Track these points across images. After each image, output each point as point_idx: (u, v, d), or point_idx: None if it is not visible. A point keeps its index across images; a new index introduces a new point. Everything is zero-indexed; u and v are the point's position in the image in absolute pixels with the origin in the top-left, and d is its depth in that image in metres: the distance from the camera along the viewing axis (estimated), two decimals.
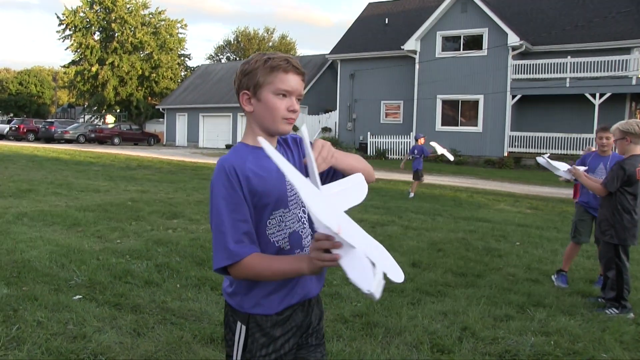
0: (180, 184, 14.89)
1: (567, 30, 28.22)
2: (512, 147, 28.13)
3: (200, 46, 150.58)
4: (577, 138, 25.89)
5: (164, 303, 4.93)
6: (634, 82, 25.35)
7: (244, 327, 2.03)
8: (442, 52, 30.17)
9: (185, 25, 57.96)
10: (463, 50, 29.81)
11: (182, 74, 61.22)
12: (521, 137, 27.97)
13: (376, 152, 31.44)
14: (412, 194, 14.29)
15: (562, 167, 5.84)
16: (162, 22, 55.42)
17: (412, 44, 30.55)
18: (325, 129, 35.66)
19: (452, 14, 29.84)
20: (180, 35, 57.59)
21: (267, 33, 76.10)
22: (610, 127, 5.86)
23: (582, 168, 5.84)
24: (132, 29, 52.03)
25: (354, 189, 1.91)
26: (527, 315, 5.04)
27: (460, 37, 29.94)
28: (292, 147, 2.20)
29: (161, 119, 48.66)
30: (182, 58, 60.80)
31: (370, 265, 1.59)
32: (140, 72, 52.11)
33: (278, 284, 2.01)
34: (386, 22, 35.85)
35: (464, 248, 7.89)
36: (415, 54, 30.70)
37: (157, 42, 53.66)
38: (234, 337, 2.05)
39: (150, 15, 55.00)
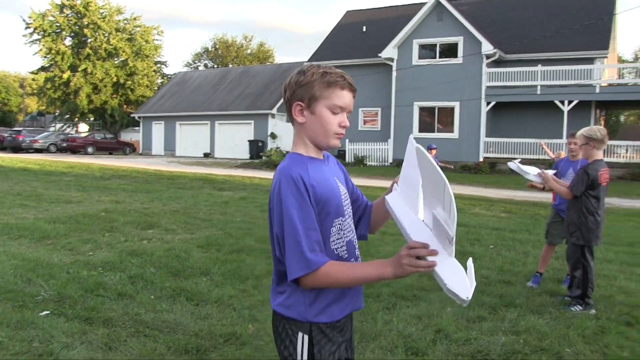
0: (157, 193, 14.72)
1: (538, 39, 28.82)
2: (487, 152, 28.51)
3: (177, 53, 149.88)
4: (548, 143, 26.32)
5: (137, 315, 4.85)
6: (597, 90, 26.49)
7: (306, 337, 2.01)
8: (418, 60, 30.51)
9: (162, 31, 57.52)
10: (439, 58, 30.18)
11: (159, 81, 60.42)
12: (496, 142, 28.38)
13: (355, 158, 31.56)
14: None
15: (532, 172, 5.98)
16: (138, 28, 54.48)
17: (389, 51, 30.84)
18: None
19: (428, 22, 30.20)
20: (156, 42, 56.70)
21: (246, 40, 76.16)
22: (576, 134, 6.04)
23: (550, 172, 6.00)
24: (106, 34, 51.04)
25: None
26: (498, 316, 5.17)
27: (436, 45, 30.31)
28: (328, 160, 2.21)
29: (137, 128, 47.84)
30: (159, 65, 60.11)
31: (464, 273, 1.67)
32: (115, 80, 51.06)
33: (339, 292, 2.05)
34: (364, 29, 36.13)
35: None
36: (393, 61, 30.99)
37: (133, 48, 52.71)
38: (296, 349, 2.02)
39: (125, 21, 54.05)
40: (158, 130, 43.90)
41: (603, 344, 4.60)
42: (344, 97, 2.05)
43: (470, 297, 1.63)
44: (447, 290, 1.66)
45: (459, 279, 1.66)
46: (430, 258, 1.70)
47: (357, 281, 1.94)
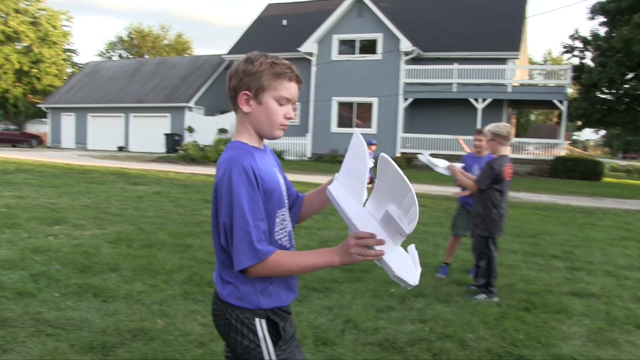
0: (65, 188, 14.07)
1: (454, 39, 29.73)
2: (404, 147, 29.13)
3: (90, 42, 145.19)
4: (464, 140, 27.19)
5: (39, 314, 4.62)
6: (509, 89, 27.68)
7: (264, 321, 2.03)
8: (338, 55, 30.81)
9: (71, 17, 55.39)
10: (359, 53, 30.55)
11: (69, 70, 58.00)
12: (412, 138, 29.06)
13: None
14: None
15: (441, 164, 6.15)
16: (43, 12, 51.59)
17: (309, 46, 30.98)
18: (222, 130, 35.37)
19: (348, 18, 30.52)
20: (65, 28, 54.27)
21: (163, 31, 74.66)
22: (484, 130, 6.25)
23: (459, 165, 6.20)
24: (4, 16, 47.91)
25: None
26: (407, 306, 5.32)
27: (356, 41, 30.71)
28: (268, 150, 2.21)
29: (45, 119, 45.50)
30: (69, 53, 57.72)
31: (410, 259, 1.78)
32: (17, 67, 48.24)
33: (286, 279, 2.08)
34: (284, 23, 36.10)
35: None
36: (312, 56, 31.16)
37: (37, 34, 49.89)
38: (257, 335, 2.03)
39: (27, 3, 50.83)
40: (68, 122, 42.01)
41: (502, 328, 4.85)
42: (291, 89, 2.07)
43: (417, 282, 1.76)
44: (394, 276, 1.77)
45: (406, 266, 1.76)
46: (377, 247, 1.78)
47: (305, 269, 1.95)
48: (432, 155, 6.31)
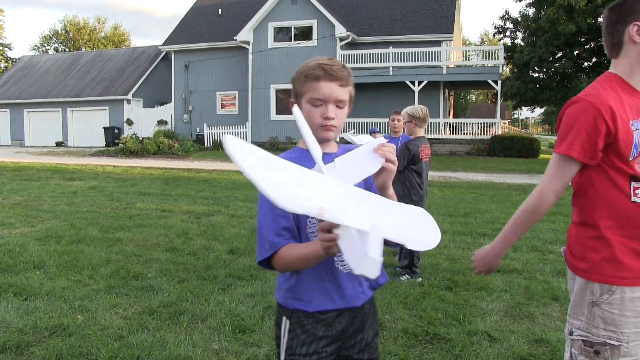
0: None
1: (387, 23, 30.02)
2: (344, 132, 29.25)
3: (25, 35, 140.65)
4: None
5: None
6: (444, 71, 28.07)
7: (287, 322, 2.07)
8: (274, 43, 30.75)
9: (2, 10, 53.71)
10: (294, 40, 30.53)
11: (2, 65, 56.42)
12: (351, 122, 29.24)
13: (213, 143, 31.35)
14: None
15: (364, 141, 6.25)
16: None
17: (244, 34, 30.81)
18: (162, 122, 34.95)
19: (283, 5, 30.45)
20: None
21: (99, 23, 72.93)
22: (401, 111, 6.38)
23: (382, 140, 6.28)
24: None
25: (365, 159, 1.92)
26: None
27: (291, 28, 30.68)
28: (332, 155, 2.04)
29: None
30: (1, 48, 56.08)
31: (362, 246, 1.54)
32: None
33: (319, 284, 2.03)
34: (219, 12, 35.76)
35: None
36: (249, 44, 31.02)
37: None
38: (281, 334, 2.09)
39: None
40: (3, 118, 40.73)
41: (421, 308, 4.95)
42: (321, 88, 2.00)
43: (363, 272, 1.52)
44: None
45: (355, 253, 1.55)
46: (336, 231, 1.63)
47: (302, 260, 1.90)
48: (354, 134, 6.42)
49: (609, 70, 2.28)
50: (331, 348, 2.08)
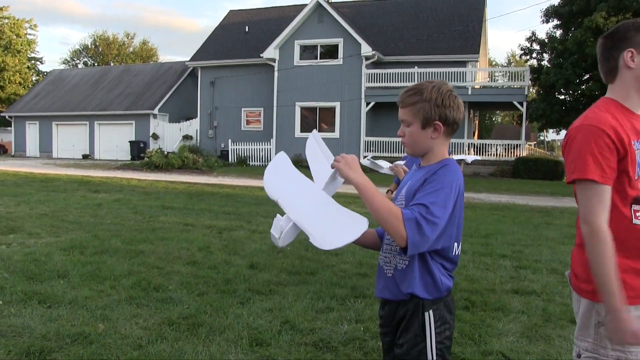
0: (25, 197, 14.04)
1: (413, 43, 30.11)
2: (367, 151, 29.39)
3: (56, 50, 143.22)
4: None
5: None
6: (469, 92, 27.93)
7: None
8: (300, 61, 30.97)
9: (35, 25, 54.87)
10: (320, 59, 30.75)
11: (34, 79, 57.41)
12: (375, 141, 29.33)
13: (237, 159, 31.57)
14: None
15: (384, 165, 6.30)
16: (6, 20, 51.11)
17: (271, 52, 31.09)
18: (187, 137, 35.31)
19: (309, 23, 30.71)
20: (29, 37, 53.92)
21: (128, 38, 74.14)
22: None
23: (400, 163, 6.32)
24: None
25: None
26: (346, 307, 5.43)
27: (317, 46, 30.91)
28: (421, 169, 2.37)
29: (9, 128, 44.98)
30: (33, 62, 57.13)
31: (283, 225, 2.22)
32: None
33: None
34: (246, 30, 36.19)
35: (304, 248, 8.21)
36: (275, 62, 31.29)
37: (1, 42, 49.54)
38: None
39: None
40: (33, 130, 41.60)
41: None
42: (399, 113, 2.34)
43: (275, 236, 2.23)
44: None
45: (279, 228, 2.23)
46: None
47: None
48: (374, 158, 6.45)
49: (605, 96, 2.35)
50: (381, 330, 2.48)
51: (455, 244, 2.23)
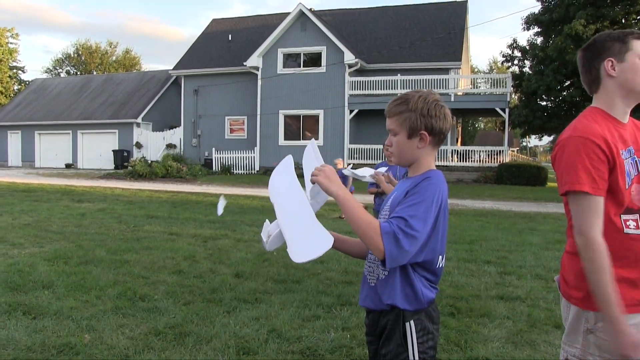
0: (7, 207, 13.92)
1: (396, 50, 30.28)
2: (351, 158, 29.48)
3: (39, 59, 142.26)
4: None
5: None
6: (452, 99, 28.14)
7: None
8: (283, 69, 31.04)
9: (17, 34, 54.51)
10: (303, 67, 30.84)
11: (16, 88, 57.05)
12: (359, 149, 29.43)
13: (221, 167, 31.53)
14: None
15: (366, 174, 6.30)
16: None
17: (254, 60, 31.15)
18: (170, 146, 35.21)
19: (292, 32, 30.82)
20: (11, 46, 53.61)
21: (110, 47, 73.83)
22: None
23: (382, 170, 6.31)
24: None
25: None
26: (332, 315, 5.45)
27: (300, 54, 31.01)
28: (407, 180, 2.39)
29: None
30: (15, 71, 56.76)
31: (271, 230, 2.33)
32: None
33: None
34: (230, 38, 36.23)
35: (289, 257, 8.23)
36: (258, 70, 31.36)
37: None
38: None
39: None
40: (14, 140, 41.27)
41: None
42: (386, 122, 2.34)
43: (263, 240, 2.34)
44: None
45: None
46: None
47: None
48: (354, 168, 6.46)
49: (591, 105, 2.39)
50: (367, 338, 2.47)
51: (440, 256, 2.23)
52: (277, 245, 2.29)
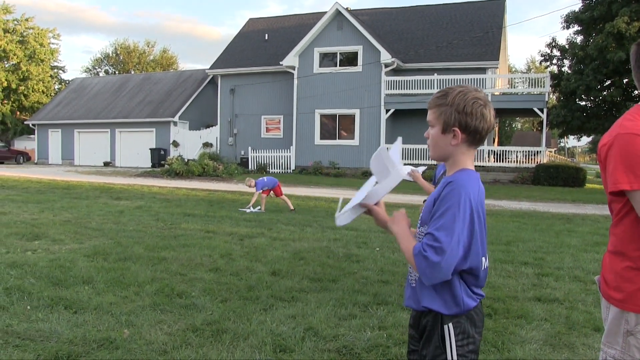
0: (48, 204, 14.23)
1: (433, 49, 30.06)
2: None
3: (79, 58, 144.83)
4: None
5: (8, 327, 4.73)
6: (490, 98, 27.46)
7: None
8: (319, 68, 31.07)
9: (58, 35, 55.46)
10: (339, 66, 30.81)
11: (56, 87, 58.03)
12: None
13: (257, 166, 31.70)
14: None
15: (405, 170, 6.27)
16: (31, 30, 51.93)
17: (290, 59, 31.22)
18: (207, 144, 35.52)
19: (328, 31, 30.81)
20: (52, 46, 54.59)
21: (148, 46, 74.80)
22: None
23: (421, 169, 6.28)
24: None
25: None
26: (369, 313, 5.44)
27: (336, 53, 30.99)
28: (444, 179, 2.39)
29: (32, 136, 45.52)
30: (56, 70, 57.83)
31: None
32: (5, 84, 48.35)
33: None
34: (266, 37, 36.38)
35: (326, 255, 8.26)
36: (294, 69, 31.40)
37: (25, 52, 50.19)
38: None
39: (16, 22, 51.25)
40: (55, 138, 42.12)
41: None
42: (427, 114, 2.36)
43: (337, 223, 2.42)
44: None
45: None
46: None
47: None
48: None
49: (638, 103, 2.31)
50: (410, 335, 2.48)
51: (483, 258, 2.20)
52: (347, 222, 2.41)
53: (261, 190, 14.39)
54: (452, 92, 2.22)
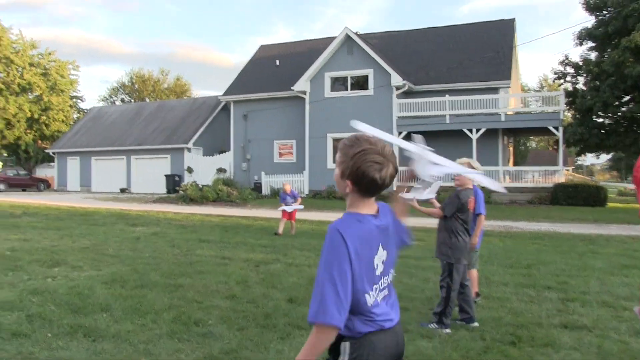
0: (67, 230, 14.33)
1: (444, 71, 30.07)
2: (399, 180, 29.11)
3: (96, 88, 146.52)
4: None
5: (31, 354, 4.77)
6: (502, 118, 27.82)
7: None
8: (330, 92, 31.18)
9: (78, 66, 56.33)
10: (351, 90, 30.90)
11: (75, 116, 58.94)
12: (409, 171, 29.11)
13: (271, 191, 31.66)
14: None
15: (436, 187, 6.25)
16: (53, 63, 52.95)
17: (302, 84, 31.37)
18: (221, 170, 35.61)
19: (339, 55, 30.96)
20: (72, 77, 55.52)
21: (162, 75, 75.57)
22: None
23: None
24: (20, 69, 49.34)
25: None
26: None
27: (347, 77, 31.10)
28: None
29: (52, 163, 45.96)
30: (75, 100, 58.77)
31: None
32: (29, 115, 49.19)
33: None
34: (277, 63, 36.60)
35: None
36: (306, 94, 31.53)
37: (47, 83, 51.13)
38: None
39: (40, 56, 52.39)
40: (73, 165, 42.50)
41: None
42: None
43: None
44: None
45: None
46: None
47: None
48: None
49: None
50: None
51: (366, 295, 2.18)
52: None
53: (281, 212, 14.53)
54: (356, 147, 2.23)
